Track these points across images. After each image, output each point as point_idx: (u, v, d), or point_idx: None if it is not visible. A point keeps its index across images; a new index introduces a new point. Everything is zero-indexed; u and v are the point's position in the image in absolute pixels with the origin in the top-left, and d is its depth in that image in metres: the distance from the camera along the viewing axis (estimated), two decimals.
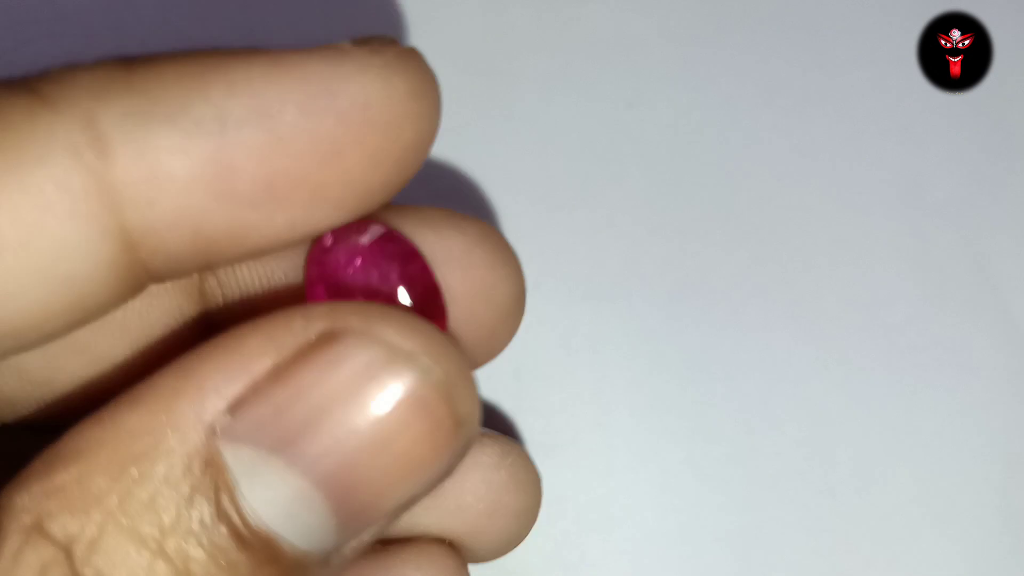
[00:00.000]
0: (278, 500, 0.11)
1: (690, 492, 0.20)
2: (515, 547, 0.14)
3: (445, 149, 0.21)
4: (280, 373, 0.11)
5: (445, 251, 0.13)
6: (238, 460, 0.11)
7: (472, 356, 0.14)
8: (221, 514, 0.11)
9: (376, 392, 0.11)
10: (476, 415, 0.12)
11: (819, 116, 0.21)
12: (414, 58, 0.12)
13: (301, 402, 0.11)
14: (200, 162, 0.11)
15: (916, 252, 0.21)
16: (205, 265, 0.12)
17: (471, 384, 0.11)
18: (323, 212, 0.12)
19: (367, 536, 0.12)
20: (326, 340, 0.11)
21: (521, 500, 0.14)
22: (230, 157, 0.11)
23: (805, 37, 0.21)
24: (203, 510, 0.10)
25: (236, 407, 0.11)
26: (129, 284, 0.11)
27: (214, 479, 0.11)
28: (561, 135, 0.21)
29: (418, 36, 0.21)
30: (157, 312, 0.14)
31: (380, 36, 0.12)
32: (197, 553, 0.10)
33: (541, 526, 0.20)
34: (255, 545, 0.11)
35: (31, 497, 0.10)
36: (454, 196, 0.20)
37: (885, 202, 0.21)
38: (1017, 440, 0.20)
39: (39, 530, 0.10)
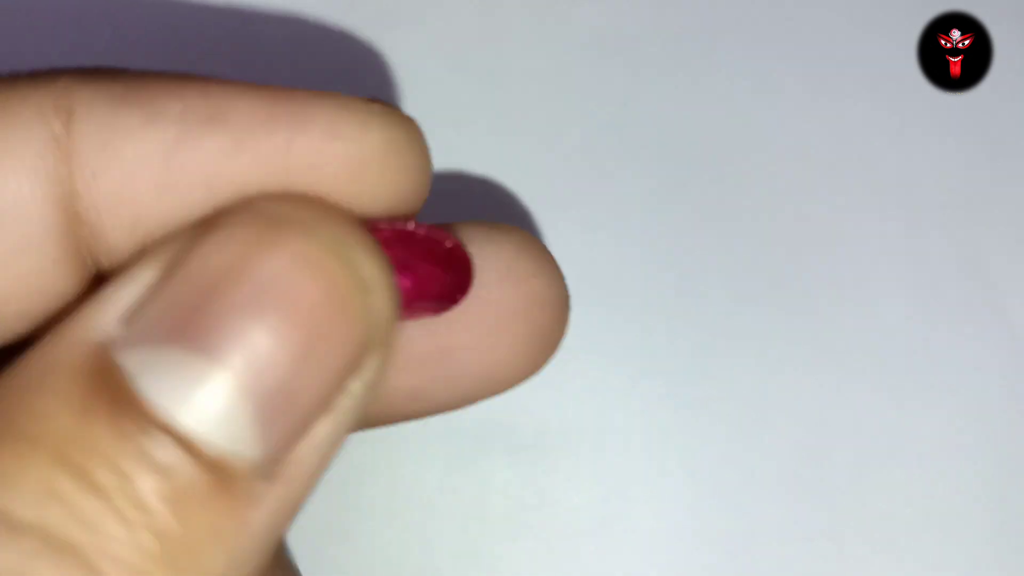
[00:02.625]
0: (182, 390, 0.10)
1: (685, 494, 0.20)
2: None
3: (440, 149, 0.21)
4: (169, 271, 0.10)
5: (489, 265, 0.14)
6: (136, 362, 0.10)
7: (519, 368, 0.14)
8: (132, 417, 0.10)
9: (263, 259, 0.10)
10: (384, 283, 0.11)
11: (818, 116, 0.21)
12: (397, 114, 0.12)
13: (189, 287, 0.10)
14: (152, 148, 0.11)
15: (915, 252, 0.21)
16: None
17: (371, 249, 0.11)
18: None
19: (309, 437, 0.11)
20: (208, 224, 0.11)
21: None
22: (184, 152, 0.11)
23: (805, 37, 0.21)
24: (103, 424, 0.10)
25: (130, 316, 0.10)
26: (74, 264, 0.11)
27: (112, 391, 0.10)
28: (557, 134, 0.21)
29: (414, 35, 0.21)
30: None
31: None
32: (120, 474, 0.10)
33: (535, 528, 0.20)
34: (172, 442, 0.10)
35: None
36: (450, 196, 0.20)
37: (884, 202, 0.21)
38: (1013, 442, 0.20)
39: None
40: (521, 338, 0.14)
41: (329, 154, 0.11)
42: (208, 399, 0.10)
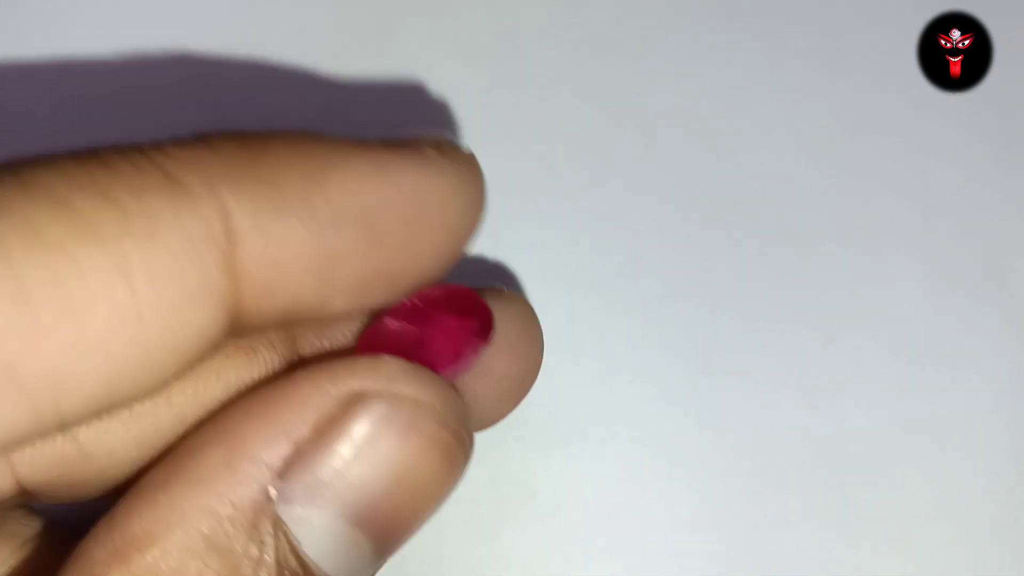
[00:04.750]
0: (330, 546, 0.13)
1: (697, 484, 0.20)
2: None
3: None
4: (320, 438, 0.12)
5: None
6: (294, 519, 0.12)
7: (491, 414, 0.16)
8: (285, 568, 0.12)
9: (398, 438, 0.13)
10: (471, 434, 0.14)
11: (819, 115, 0.21)
12: (476, 165, 0.14)
13: (340, 461, 0.12)
14: (315, 255, 0.12)
15: (918, 250, 0.21)
16: (278, 328, 0.14)
17: (464, 410, 0.14)
18: (392, 295, 0.14)
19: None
20: (353, 403, 0.13)
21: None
22: (338, 252, 0.12)
23: (805, 37, 0.21)
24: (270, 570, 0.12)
25: (285, 472, 0.12)
26: (217, 347, 0.13)
27: (276, 541, 0.12)
28: (568, 125, 0.21)
29: (425, 26, 0.21)
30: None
31: (447, 140, 0.14)
32: None
33: (546, 517, 0.20)
34: None
35: None
36: None
37: (886, 202, 0.21)
38: None
39: None
40: (495, 387, 0.16)
41: (440, 229, 0.13)
42: (353, 556, 0.13)
